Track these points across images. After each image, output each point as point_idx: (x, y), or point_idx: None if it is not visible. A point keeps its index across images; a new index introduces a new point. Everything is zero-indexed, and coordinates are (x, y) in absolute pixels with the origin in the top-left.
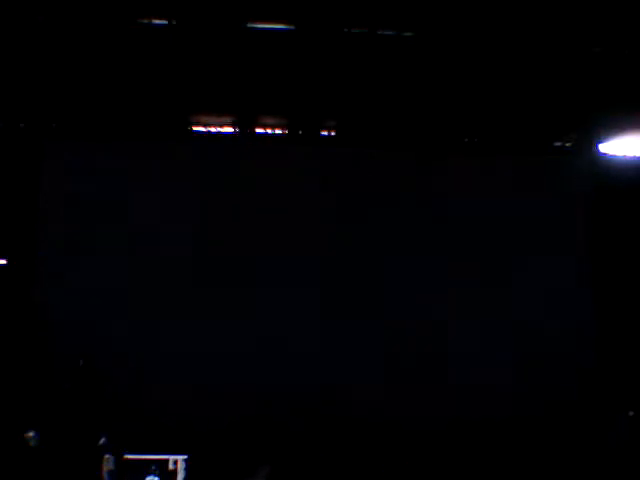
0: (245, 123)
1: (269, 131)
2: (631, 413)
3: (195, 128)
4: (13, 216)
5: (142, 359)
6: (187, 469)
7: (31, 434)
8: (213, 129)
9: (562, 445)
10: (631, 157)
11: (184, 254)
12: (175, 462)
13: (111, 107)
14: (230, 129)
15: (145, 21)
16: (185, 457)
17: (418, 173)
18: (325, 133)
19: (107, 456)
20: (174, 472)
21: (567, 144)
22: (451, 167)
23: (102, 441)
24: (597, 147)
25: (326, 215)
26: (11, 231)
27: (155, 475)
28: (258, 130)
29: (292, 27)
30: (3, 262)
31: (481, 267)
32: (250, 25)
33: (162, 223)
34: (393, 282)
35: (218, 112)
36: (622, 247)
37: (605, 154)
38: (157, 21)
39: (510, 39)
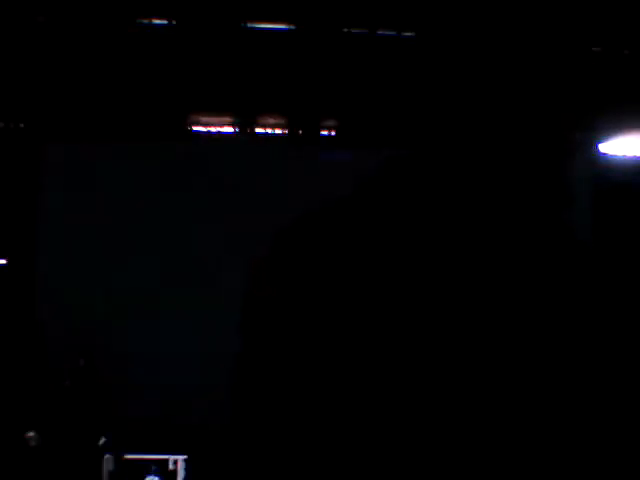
0: (245, 123)
1: (269, 131)
2: None
3: (195, 128)
4: (13, 216)
5: (142, 359)
6: (187, 469)
7: (31, 434)
8: (213, 129)
9: (562, 445)
10: (631, 157)
11: (183, 254)
12: (175, 462)
13: (110, 107)
14: (230, 129)
15: (145, 21)
16: (185, 457)
17: (417, 172)
18: (325, 133)
19: (107, 456)
20: (174, 472)
21: (567, 144)
22: (451, 166)
23: (102, 441)
24: (597, 147)
25: (326, 215)
26: (11, 231)
27: (155, 475)
28: (258, 130)
29: (292, 27)
30: (3, 262)
31: (479, 267)
32: (250, 25)
33: (162, 223)
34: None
35: (218, 112)
36: (623, 247)
37: (605, 154)
38: (157, 21)
39: (510, 39)
